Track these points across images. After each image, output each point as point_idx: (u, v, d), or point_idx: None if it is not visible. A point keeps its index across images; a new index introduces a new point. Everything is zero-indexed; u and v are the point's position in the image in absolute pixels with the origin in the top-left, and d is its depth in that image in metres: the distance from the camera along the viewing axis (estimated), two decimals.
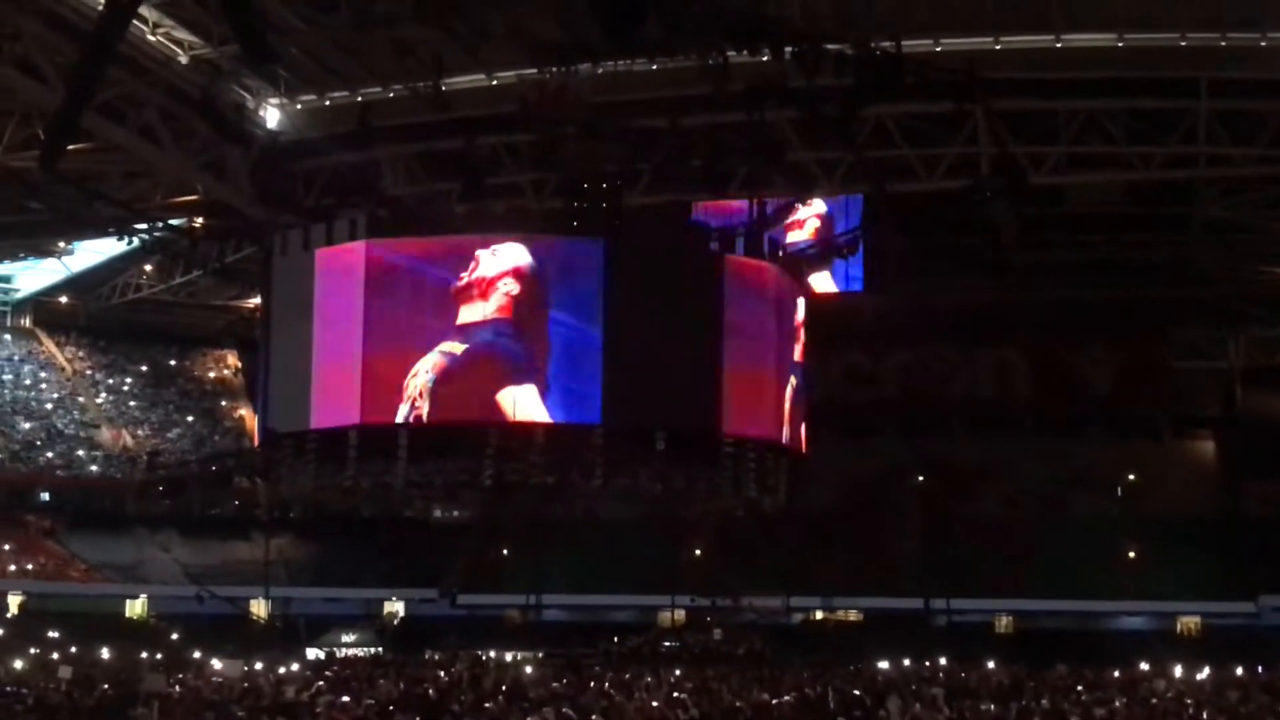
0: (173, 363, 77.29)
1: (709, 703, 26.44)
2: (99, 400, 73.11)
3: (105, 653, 45.97)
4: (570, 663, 43.80)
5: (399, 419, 39.50)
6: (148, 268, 68.45)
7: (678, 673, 37.77)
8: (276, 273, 43.25)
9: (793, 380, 45.54)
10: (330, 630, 57.91)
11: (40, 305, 75.01)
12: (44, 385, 72.63)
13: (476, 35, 35.04)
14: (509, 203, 46.32)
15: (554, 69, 34.99)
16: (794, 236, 56.66)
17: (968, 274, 60.82)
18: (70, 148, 35.97)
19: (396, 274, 39.45)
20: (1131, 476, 63.78)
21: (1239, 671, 40.51)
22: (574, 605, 60.15)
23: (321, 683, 31.13)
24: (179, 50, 43.04)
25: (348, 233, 40.93)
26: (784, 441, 44.18)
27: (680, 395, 40.50)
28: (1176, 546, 58.10)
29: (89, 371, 74.83)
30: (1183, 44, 40.89)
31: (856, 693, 28.74)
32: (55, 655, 43.97)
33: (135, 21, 36.41)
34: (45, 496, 67.91)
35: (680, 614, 58.87)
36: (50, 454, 68.81)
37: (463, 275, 39.16)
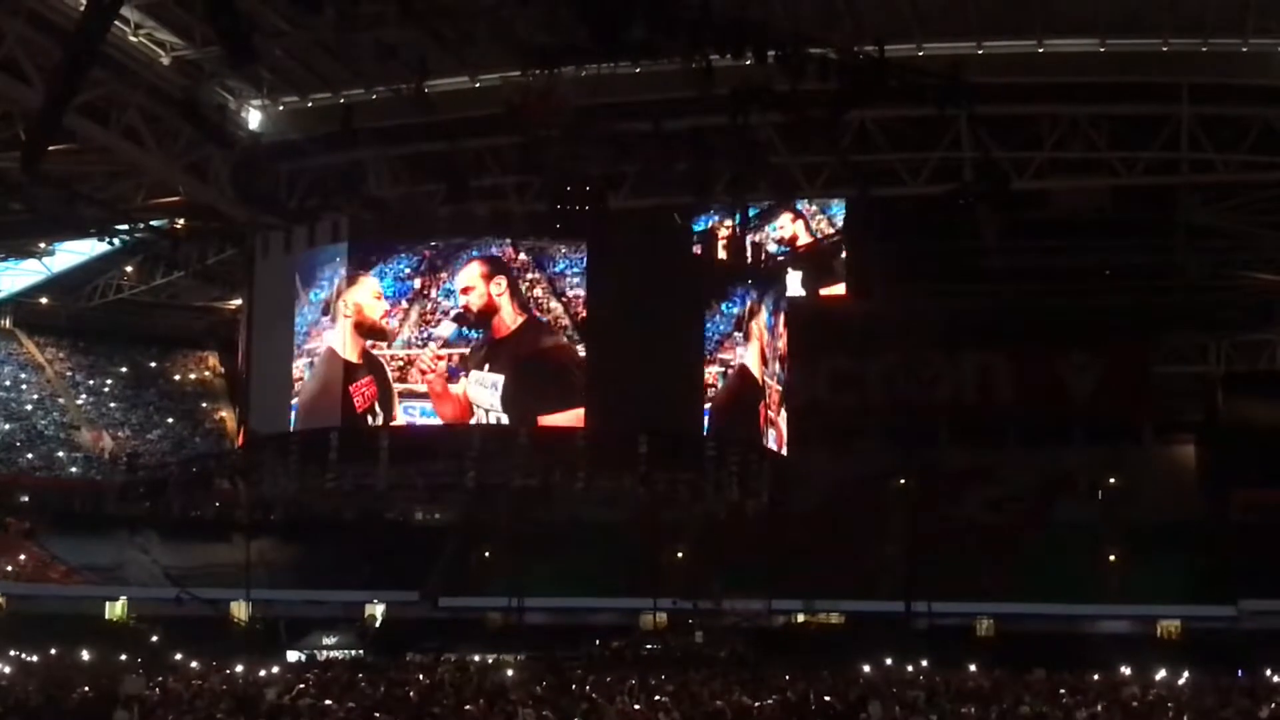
0: (153, 364, 76.99)
1: (691, 705, 26.42)
2: (79, 401, 72.83)
3: (85, 654, 45.86)
4: (552, 665, 43.74)
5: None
6: (129, 269, 68.24)
7: (663, 676, 37.73)
8: (258, 274, 43.26)
9: (775, 383, 45.68)
10: (311, 633, 57.73)
11: (20, 306, 74.61)
12: (24, 386, 72.32)
13: (461, 37, 34.99)
14: (493, 205, 46.25)
15: (539, 71, 35.00)
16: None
17: (951, 279, 60.94)
18: (52, 148, 35.85)
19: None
20: (1113, 481, 63.91)
21: (1218, 676, 40.57)
22: (556, 608, 60.01)
23: (302, 685, 31.04)
24: (161, 51, 42.87)
25: (330, 235, 40.96)
26: (766, 444, 44.29)
27: (663, 398, 40.56)
28: (1157, 551, 58.21)
29: (69, 373, 74.54)
30: (1165, 49, 40.96)
31: (837, 696, 28.75)
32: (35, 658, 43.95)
33: (117, 22, 36.23)
34: (24, 498, 67.62)
35: (662, 617, 58.78)
36: (30, 455, 68.53)
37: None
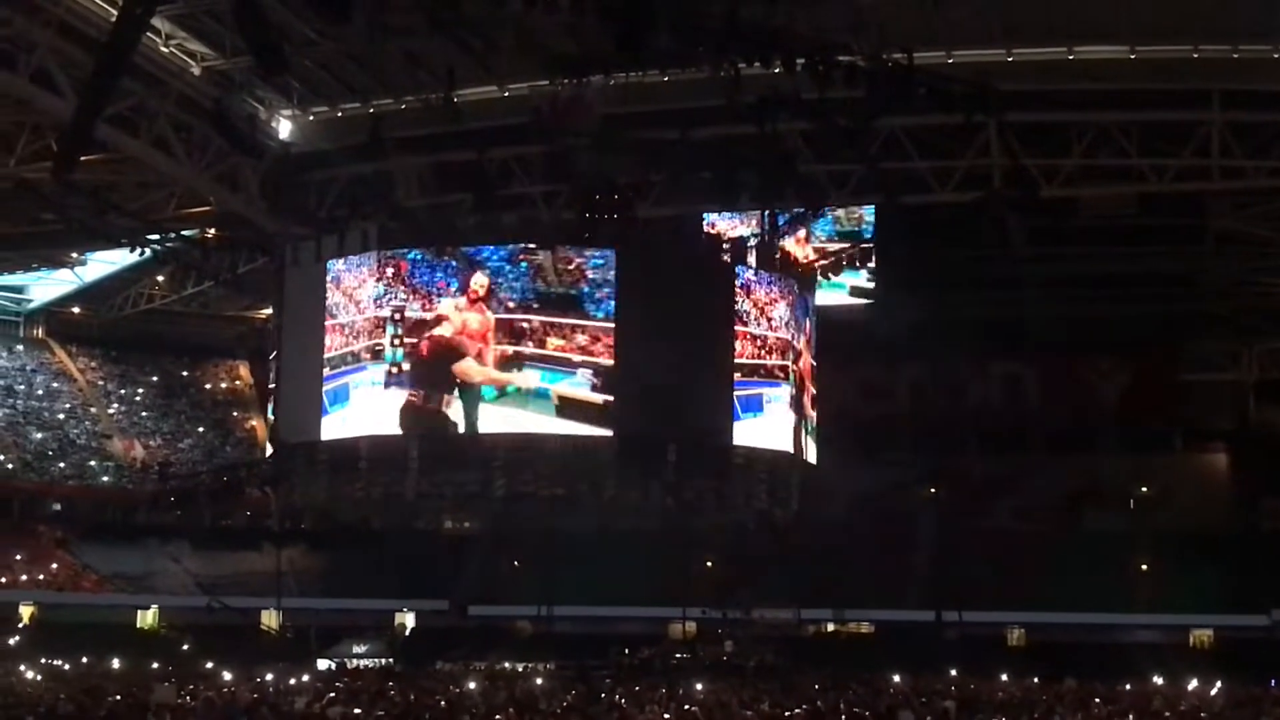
0: (184, 373, 77.41)
1: (720, 715, 26.38)
2: (111, 411, 73.20)
3: (116, 663, 46.05)
4: (581, 674, 43.69)
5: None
6: (160, 278, 68.63)
7: (698, 686, 37.64)
8: (289, 283, 43.34)
9: (805, 392, 45.53)
10: (341, 641, 57.83)
11: (53, 316, 75.18)
12: (56, 396, 72.75)
13: (488, 47, 35.05)
14: (520, 214, 46.32)
15: (566, 81, 35.03)
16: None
17: (980, 287, 60.74)
18: (83, 159, 36.03)
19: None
20: (1144, 490, 63.65)
21: (1251, 686, 40.28)
22: (585, 617, 59.99)
23: (333, 694, 31.10)
24: (192, 61, 43.16)
25: (359, 244, 41.02)
26: (795, 453, 44.13)
27: (692, 406, 40.46)
28: (1189, 560, 57.93)
29: (101, 382, 74.96)
30: (1195, 56, 40.81)
31: (867, 706, 28.64)
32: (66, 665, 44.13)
33: (148, 33, 36.42)
34: (57, 507, 68.06)
35: (691, 626, 58.71)
36: (62, 464, 68.91)
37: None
